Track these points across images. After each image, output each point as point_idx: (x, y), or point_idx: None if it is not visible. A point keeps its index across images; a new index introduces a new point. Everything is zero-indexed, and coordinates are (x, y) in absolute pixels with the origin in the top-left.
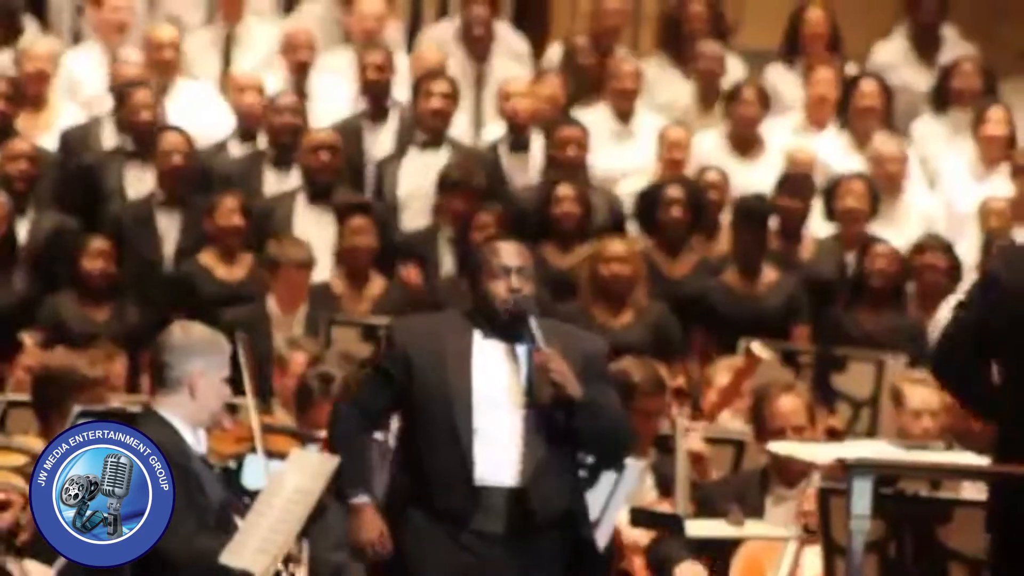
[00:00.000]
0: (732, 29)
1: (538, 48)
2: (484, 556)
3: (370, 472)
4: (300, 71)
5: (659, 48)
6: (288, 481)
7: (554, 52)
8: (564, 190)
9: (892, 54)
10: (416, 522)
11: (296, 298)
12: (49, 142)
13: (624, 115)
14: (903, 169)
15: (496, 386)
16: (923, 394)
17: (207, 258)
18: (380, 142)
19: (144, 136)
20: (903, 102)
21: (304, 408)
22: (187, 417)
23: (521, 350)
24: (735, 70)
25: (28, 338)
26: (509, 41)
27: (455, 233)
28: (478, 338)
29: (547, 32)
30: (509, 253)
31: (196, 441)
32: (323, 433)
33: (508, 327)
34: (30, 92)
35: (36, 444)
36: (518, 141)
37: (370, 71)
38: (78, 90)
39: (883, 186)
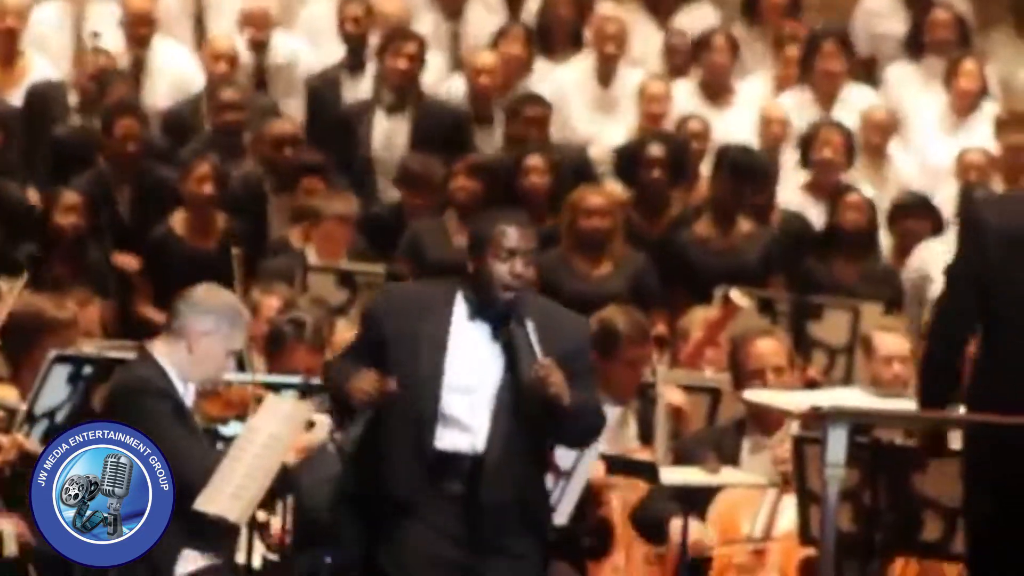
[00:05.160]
0: None
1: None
2: (451, 531)
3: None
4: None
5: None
6: (262, 427)
7: (532, 4)
8: (533, 160)
9: (877, 1)
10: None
11: (335, 250)
12: (17, 98)
13: (605, 76)
14: (889, 135)
15: (470, 373)
16: (893, 341)
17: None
18: (360, 93)
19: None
20: (886, 51)
21: (275, 352)
22: (180, 368)
23: (502, 337)
24: (707, 18)
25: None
26: None
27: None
28: (460, 319)
29: None
30: (516, 235)
31: (185, 392)
32: (296, 379)
33: (498, 310)
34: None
35: (9, 393)
36: (482, 115)
37: (348, 23)
38: (46, 45)
39: (867, 148)
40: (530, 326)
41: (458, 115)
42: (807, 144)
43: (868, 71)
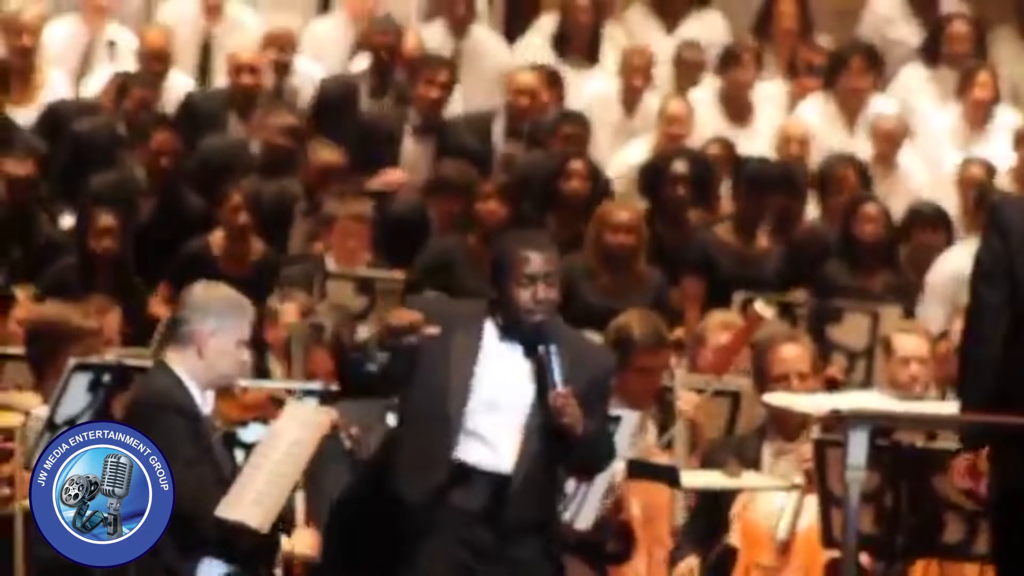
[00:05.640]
0: None
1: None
2: (469, 540)
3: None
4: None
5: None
6: (284, 433)
7: (546, 22)
8: (576, 165)
9: (888, 7)
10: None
11: (353, 253)
12: (32, 113)
13: (630, 104)
14: (899, 145)
15: (499, 390)
16: (912, 342)
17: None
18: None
19: None
20: (896, 56)
21: (292, 356)
22: (195, 375)
23: (532, 359)
24: (716, 26)
25: (21, 292)
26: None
27: (448, 210)
28: (491, 338)
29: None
30: (537, 261)
31: (203, 401)
32: (316, 385)
33: (527, 334)
34: (16, 65)
35: (32, 401)
36: (515, 129)
37: (381, 50)
38: (62, 61)
39: (878, 159)
40: (556, 353)
41: (484, 136)
42: (824, 181)
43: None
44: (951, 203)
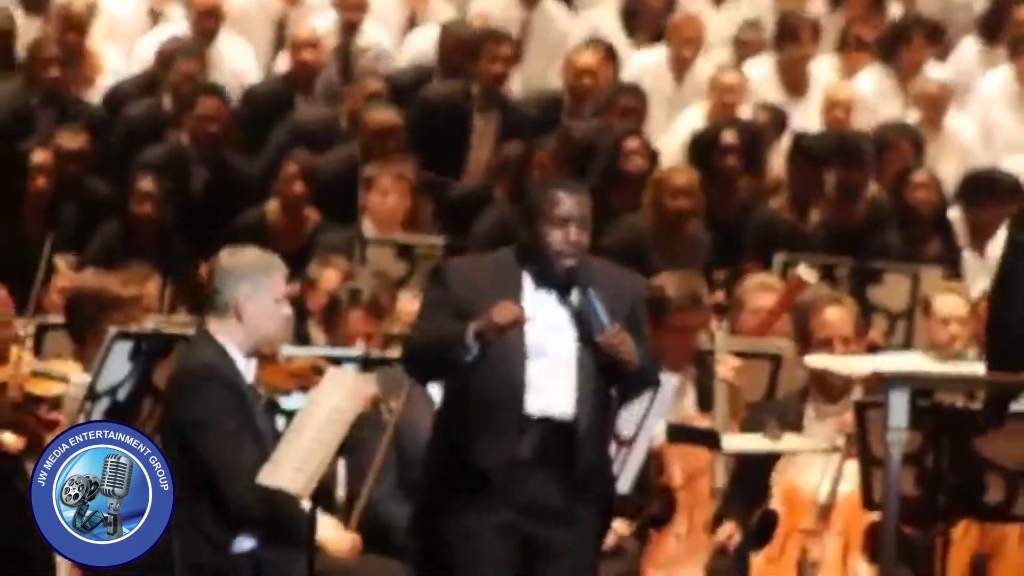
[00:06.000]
0: None
1: None
2: (529, 533)
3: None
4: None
5: None
6: (325, 400)
7: None
8: (632, 143)
9: None
10: (458, 504)
11: (394, 215)
12: (96, 95)
13: (680, 72)
14: (945, 108)
15: (544, 337)
16: (951, 302)
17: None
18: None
19: None
20: (960, 18)
21: (333, 321)
22: (237, 341)
23: (572, 298)
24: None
25: (61, 261)
26: None
27: (510, 183)
28: (528, 287)
29: None
30: (569, 202)
31: (247, 369)
32: (356, 351)
33: (560, 278)
34: (72, 44)
35: (73, 369)
36: (577, 111)
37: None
38: (119, 37)
39: (926, 123)
40: (591, 293)
41: (546, 112)
42: (880, 149)
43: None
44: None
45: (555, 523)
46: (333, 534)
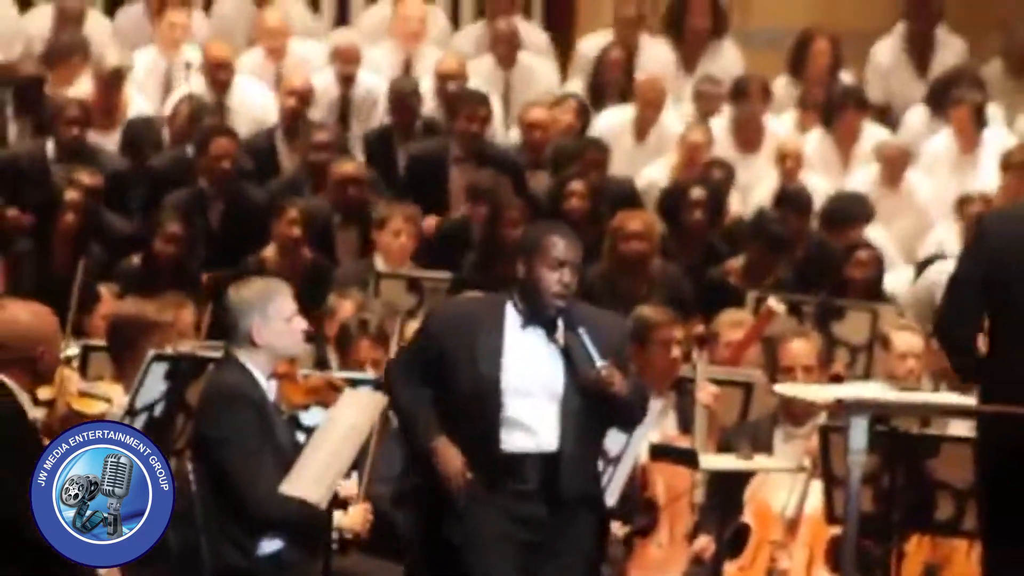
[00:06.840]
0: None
1: (566, 43)
2: (522, 515)
3: (433, 414)
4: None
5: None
6: (342, 418)
7: (585, 45)
8: (575, 185)
9: (888, 56)
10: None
11: (403, 252)
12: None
13: (642, 131)
14: (902, 169)
15: (529, 376)
16: (908, 338)
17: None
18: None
19: None
20: (900, 99)
21: (344, 348)
22: (259, 364)
23: (559, 336)
24: (734, 64)
25: (105, 289)
26: (533, 39)
27: (482, 230)
28: (513, 328)
29: (574, 27)
30: (564, 247)
31: (269, 388)
32: (370, 375)
33: (549, 317)
34: (104, 105)
35: (114, 390)
36: (536, 161)
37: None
38: (144, 88)
39: (884, 182)
40: (583, 332)
41: (515, 164)
42: (828, 218)
43: (883, 116)
44: (947, 230)
45: (550, 532)
46: (349, 514)
